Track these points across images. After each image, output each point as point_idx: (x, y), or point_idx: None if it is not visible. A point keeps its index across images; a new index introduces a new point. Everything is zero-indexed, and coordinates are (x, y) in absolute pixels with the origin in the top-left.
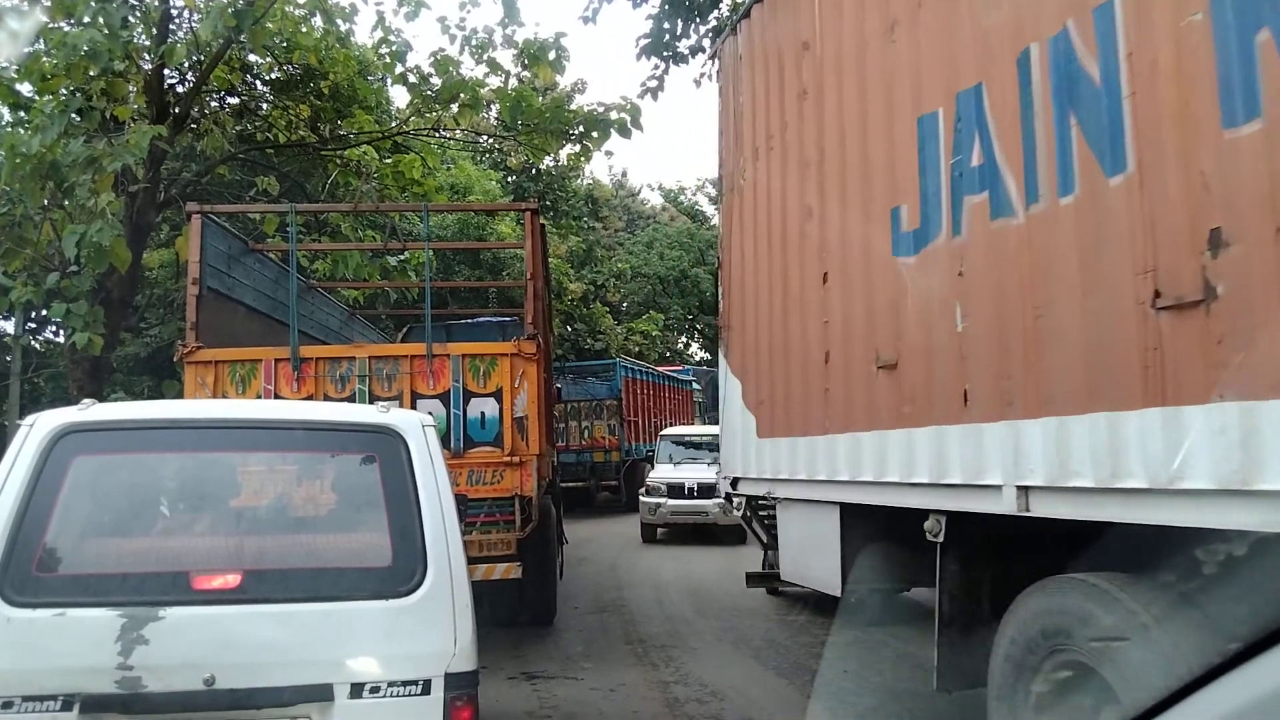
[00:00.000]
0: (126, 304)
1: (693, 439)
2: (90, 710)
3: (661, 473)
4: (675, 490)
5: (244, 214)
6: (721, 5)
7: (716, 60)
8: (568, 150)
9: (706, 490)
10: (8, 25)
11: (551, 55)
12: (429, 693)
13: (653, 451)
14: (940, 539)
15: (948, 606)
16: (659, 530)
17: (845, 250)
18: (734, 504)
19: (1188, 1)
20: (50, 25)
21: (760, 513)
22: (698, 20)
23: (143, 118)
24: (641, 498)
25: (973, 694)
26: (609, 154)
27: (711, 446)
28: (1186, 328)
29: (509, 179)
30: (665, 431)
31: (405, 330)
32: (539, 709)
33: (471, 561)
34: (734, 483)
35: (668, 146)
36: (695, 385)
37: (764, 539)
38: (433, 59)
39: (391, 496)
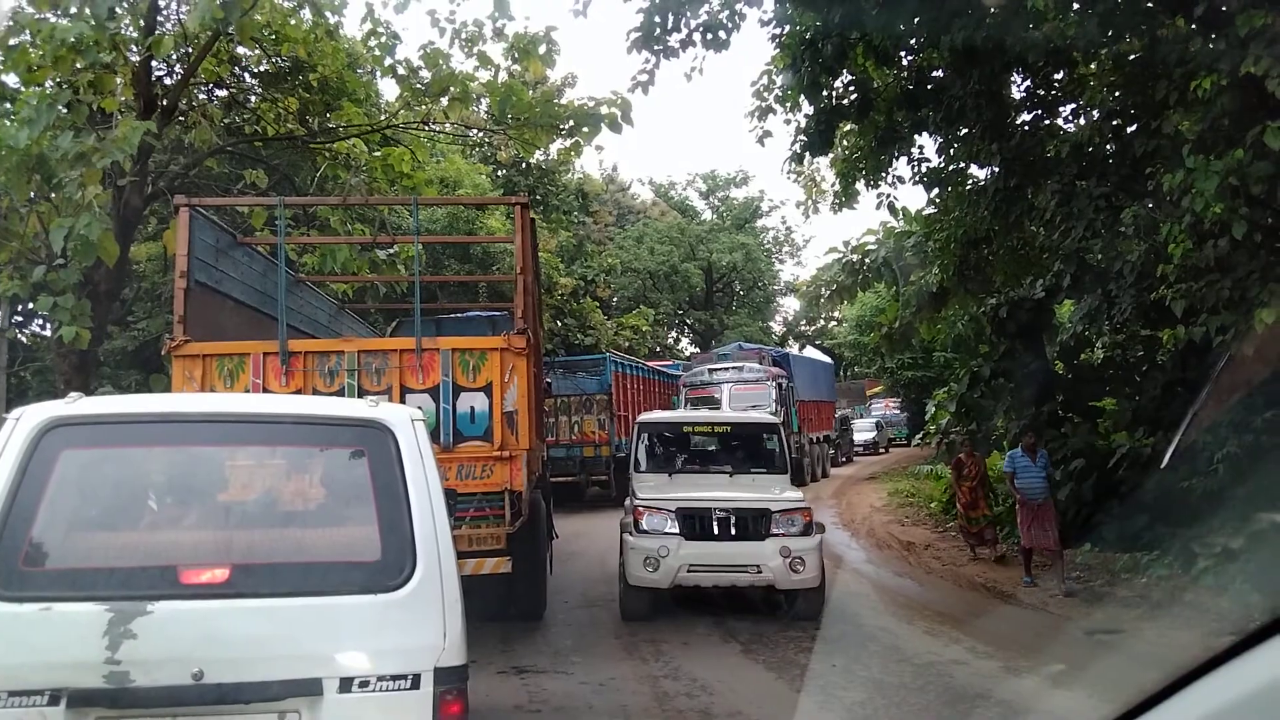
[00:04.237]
0: (114, 297)
1: (700, 431)
2: (77, 705)
3: (656, 489)
4: (694, 524)
5: (232, 207)
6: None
7: None
8: (558, 145)
9: (755, 523)
10: None
11: (542, 49)
12: (418, 687)
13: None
14: None
15: None
16: (651, 599)
17: None
18: None
19: None
20: (37, 16)
21: None
22: (688, 14)
23: (130, 110)
24: (628, 539)
25: (958, 690)
26: (599, 149)
27: (750, 440)
28: None
29: (499, 173)
30: (644, 417)
31: (394, 324)
32: (528, 703)
33: (461, 556)
34: None
35: (658, 141)
36: None
37: None
38: (422, 52)
39: (380, 491)
